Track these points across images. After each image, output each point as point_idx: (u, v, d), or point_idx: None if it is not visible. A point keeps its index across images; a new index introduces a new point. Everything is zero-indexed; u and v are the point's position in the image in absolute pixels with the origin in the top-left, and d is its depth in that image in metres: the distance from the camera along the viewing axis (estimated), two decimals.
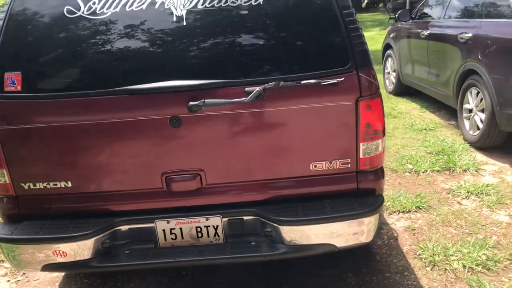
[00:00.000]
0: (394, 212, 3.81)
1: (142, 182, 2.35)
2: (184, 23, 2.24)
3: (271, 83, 2.17)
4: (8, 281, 3.28)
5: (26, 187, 2.36)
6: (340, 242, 2.32)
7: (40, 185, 2.36)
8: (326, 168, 2.36)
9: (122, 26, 2.27)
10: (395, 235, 3.48)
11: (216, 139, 2.30)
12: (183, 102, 2.19)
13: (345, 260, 3.14)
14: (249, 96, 2.16)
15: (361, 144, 2.34)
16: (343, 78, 2.23)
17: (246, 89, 2.19)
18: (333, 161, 2.35)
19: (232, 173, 2.36)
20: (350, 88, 2.26)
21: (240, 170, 2.35)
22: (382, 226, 3.61)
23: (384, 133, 2.40)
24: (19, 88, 2.25)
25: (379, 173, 2.45)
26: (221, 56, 2.26)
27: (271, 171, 2.36)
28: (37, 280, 3.26)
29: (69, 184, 2.35)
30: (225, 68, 2.25)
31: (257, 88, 2.16)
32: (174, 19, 2.25)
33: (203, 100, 2.16)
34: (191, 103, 2.17)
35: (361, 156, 2.35)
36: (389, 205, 3.89)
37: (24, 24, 2.28)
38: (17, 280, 3.28)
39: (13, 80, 2.25)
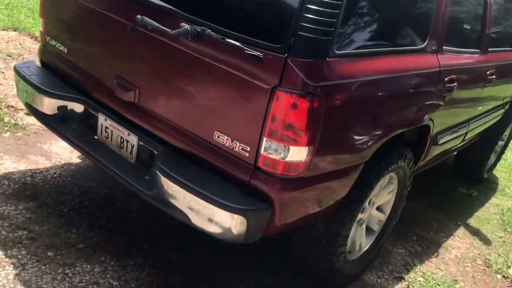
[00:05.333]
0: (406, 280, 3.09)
1: (104, 75, 2.55)
2: None
3: (199, 27, 2.04)
4: None
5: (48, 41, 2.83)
6: (195, 219, 2.12)
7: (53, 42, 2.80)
8: (227, 145, 2.13)
9: None
10: None
11: (150, 63, 2.35)
12: (137, 13, 2.25)
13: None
14: (176, 30, 2.09)
15: (264, 139, 2.01)
16: (270, 57, 1.94)
17: (182, 23, 2.12)
18: (234, 141, 2.10)
19: (155, 102, 2.36)
20: (271, 71, 1.94)
21: (160, 101, 2.35)
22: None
23: (307, 144, 2.00)
24: None
25: (285, 184, 2.07)
26: None
27: (183, 117, 2.27)
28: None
29: (66, 50, 2.72)
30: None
31: (186, 26, 2.08)
32: None
33: (142, 17, 2.20)
34: (138, 16, 2.23)
35: (261, 151, 2.03)
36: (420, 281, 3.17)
37: None
38: None
39: None
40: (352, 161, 2.33)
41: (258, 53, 1.94)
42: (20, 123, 3.76)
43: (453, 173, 5.14)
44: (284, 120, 1.96)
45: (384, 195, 2.96)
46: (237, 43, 1.97)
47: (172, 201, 2.17)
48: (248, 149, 2.06)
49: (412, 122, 2.65)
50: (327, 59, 1.97)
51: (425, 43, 2.65)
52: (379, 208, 3.06)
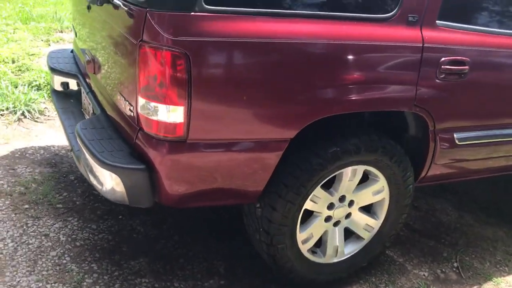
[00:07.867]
0: None
1: (84, 51, 2.82)
2: None
3: None
4: None
5: None
6: (91, 178, 2.21)
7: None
8: (123, 106, 2.18)
9: None
10: None
11: (96, 35, 2.53)
12: None
13: None
14: None
15: (139, 97, 2.00)
16: (137, 12, 1.95)
17: None
18: (126, 102, 2.14)
19: (99, 71, 2.53)
20: (137, 26, 1.94)
21: (100, 70, 2.52)
22: None
23: (177, 103, 1.91)
24: None
25: (166, 146, 1.99)
26: None
27: (109, 84, 2.39)
28: None
29: (75, 35, 3.09)
30: None
31: None
32: None
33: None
34: None
35: (139, 110, 2.02)
36: None
37: None
38: None
39: None
40: (258, 134, 2.11)
41: (129, 9, 1.96)
42: None
43: None
44: (149, 76, 1.93)
45: (366, 194, 2.57)
46: (118, 2, 2.02)
47: (81, 160, 2.29)
48: (132, 108, 2.07)
49: (355, 106, 2.24)
50: (192, 13, 1.87)
51: (392, 13, 2.24)
52: (369, 212, 2.66)
